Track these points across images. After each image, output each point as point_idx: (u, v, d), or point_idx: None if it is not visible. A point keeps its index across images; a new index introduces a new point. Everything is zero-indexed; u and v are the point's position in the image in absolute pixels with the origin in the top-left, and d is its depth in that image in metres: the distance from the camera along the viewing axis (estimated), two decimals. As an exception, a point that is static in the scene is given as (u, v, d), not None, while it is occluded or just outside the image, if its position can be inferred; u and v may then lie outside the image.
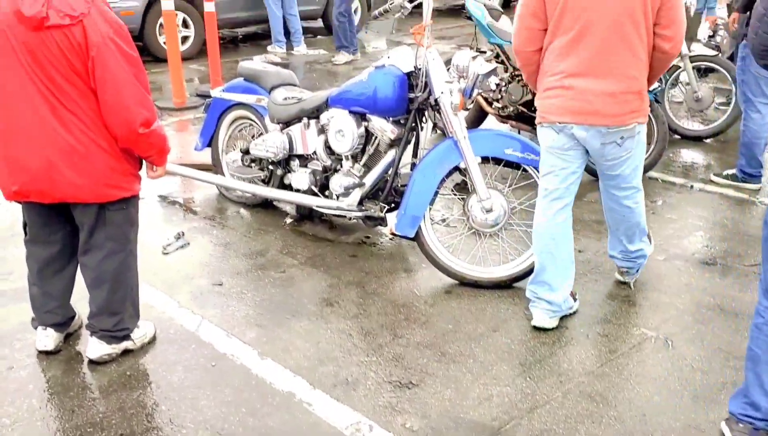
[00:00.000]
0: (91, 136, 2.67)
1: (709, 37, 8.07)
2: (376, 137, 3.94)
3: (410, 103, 3.81)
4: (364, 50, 9.94)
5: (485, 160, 3.66)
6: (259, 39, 10.36)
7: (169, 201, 4.75)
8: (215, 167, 4.84)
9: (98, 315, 2.94)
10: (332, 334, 3.24)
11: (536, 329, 3.25)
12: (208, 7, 6.95)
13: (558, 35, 3.03)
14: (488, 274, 3.64)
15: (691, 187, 5.01)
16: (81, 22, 2.54)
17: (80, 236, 2.87)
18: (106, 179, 2.75)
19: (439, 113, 3.70)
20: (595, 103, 3.00)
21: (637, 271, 3.61)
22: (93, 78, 2.60)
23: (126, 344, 3.04)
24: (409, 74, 3.80)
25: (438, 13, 12.86)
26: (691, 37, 6.44)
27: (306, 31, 10.13)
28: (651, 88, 4.72)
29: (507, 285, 3.61)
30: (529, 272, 3.59)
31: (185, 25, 8.70)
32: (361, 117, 3.93)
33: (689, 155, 5.72)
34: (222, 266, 3.87)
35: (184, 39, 8.75)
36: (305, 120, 4.18)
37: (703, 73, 6.14)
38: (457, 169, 3.68)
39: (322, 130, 4.11)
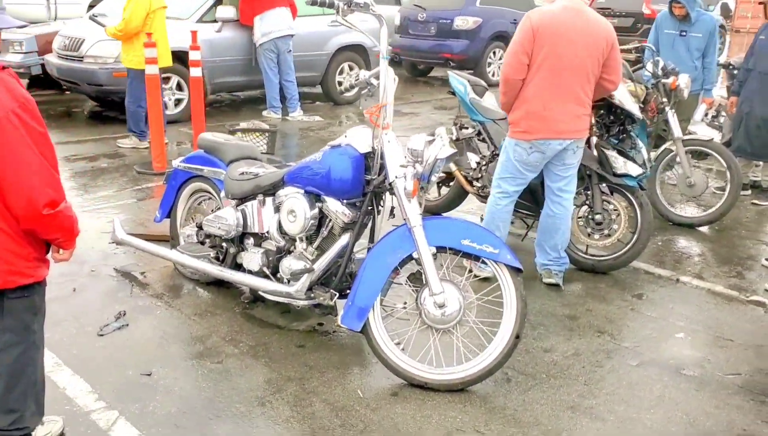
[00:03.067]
0: (-12, 218, 2.44)
1: (713, 117, 7.84)
2: (330, 219, 3.69)
3: (366, 185, 3.58)
4: (364, 120, 9.81)
5: (442, 249, 3.40)
6: (260, 102, 10.27)
7: (122, 275, 4.50)
8: (173, 240, 4.61)
9: (-8, 413, 2.66)
10: (255, 441, 2.93)
11: None
12: (194, 72, 6.84)
13: (540, 72, 4.00)
14: (438, 375, 3.32)
15: (677, 280, 4.66)
16: (-19, 95, 2.33)
17: (-26, 325, 2.61)
18: (5, 265, 2.50)
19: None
20: (568, 123, 4.06)
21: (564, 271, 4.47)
22: None
23: (23, 445, 2.74)
24: (366, 155, 3.58)
25: (442, 81, 12.81)
26: (687, 118, 6.20)
27: (305, 97, 10.05)
28: (635, 175, 4.50)
29: (459, 389, 3.29)
30: (484, 375, 3.29)
31: (179, 88, 8.62)
32: (315, 197, 3.69)
33: (680, 244, 5.38)
34: (156, 353, 3.58)
35: (178, 102, 8.68)
36: (261, 197, 3.95)
37: (699, 155, 5.87)
38: (411, 257, 3.41)
39: (278, 209, 3.87)
